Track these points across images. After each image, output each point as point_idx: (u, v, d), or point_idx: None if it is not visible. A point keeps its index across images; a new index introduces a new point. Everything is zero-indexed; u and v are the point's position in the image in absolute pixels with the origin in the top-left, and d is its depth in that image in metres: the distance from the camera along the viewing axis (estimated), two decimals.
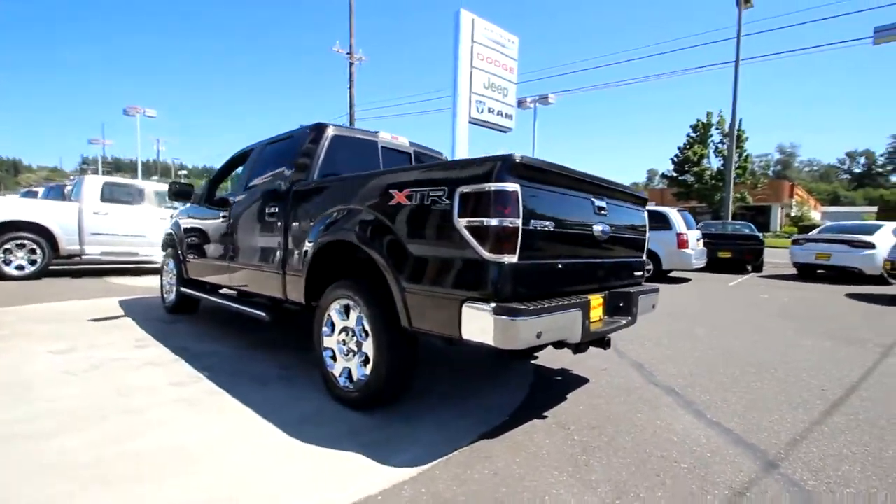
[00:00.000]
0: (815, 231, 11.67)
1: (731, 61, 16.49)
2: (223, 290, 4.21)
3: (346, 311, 2.54)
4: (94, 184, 7.78)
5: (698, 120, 32.25)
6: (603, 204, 2.51)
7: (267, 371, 3.12)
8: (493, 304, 1.84)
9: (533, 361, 3.50)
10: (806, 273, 10.60)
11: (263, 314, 3.18)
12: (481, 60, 14.31)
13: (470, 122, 14.23)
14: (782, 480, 1.93)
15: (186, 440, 2.11)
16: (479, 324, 1.88)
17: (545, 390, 2.93)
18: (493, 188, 1.86)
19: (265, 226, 3.24)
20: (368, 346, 2.39)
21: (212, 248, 4.01)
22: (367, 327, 2.37)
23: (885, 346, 4.31)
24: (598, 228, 2.44)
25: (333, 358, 2.63)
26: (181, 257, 4.58)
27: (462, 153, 9.97)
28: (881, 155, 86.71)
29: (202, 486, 1.74)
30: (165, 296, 5.01)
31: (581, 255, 2.37)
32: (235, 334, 4.10)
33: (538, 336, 1.90)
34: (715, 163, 31.39)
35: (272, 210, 3.15)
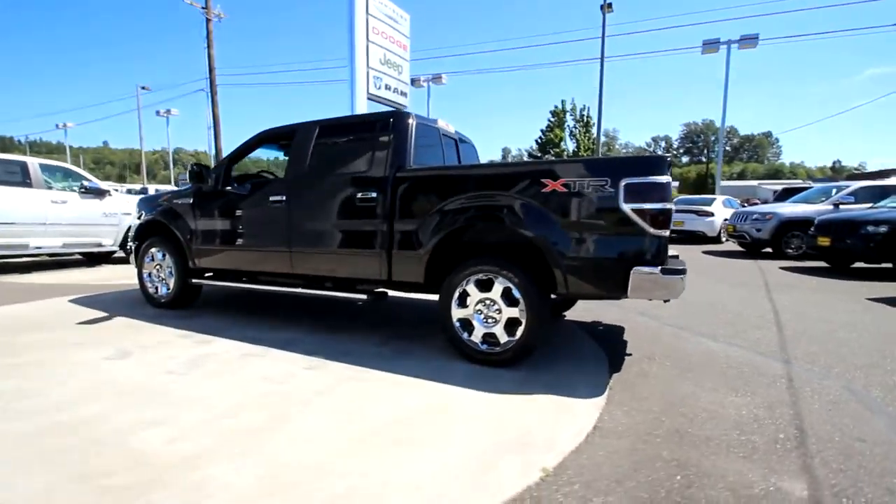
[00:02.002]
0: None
1: (588, 59, 19.20)
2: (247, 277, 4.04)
3: (484, 284, 2.91)
4: None
5: (556, 106, 36.40)
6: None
7: (374, 348, 3.27)
8: (659, 268, 2.48)
9: (566, 318, 4.25)
10: None
11: (363, 295, 3.30)
12: (377, 35, 14.20)
13: (368, 99, 14.16)
14: (803, 369, 2.99)
15: (405, 408, 2.33)
16: (648, 283, 2.49)
17: (605, 339, 3.68)
18: (657, 180, 2.47)
19: (357, 210, 3.31)
20: (515, 312, 2.82)
21: (257, 234, 3.82)
22: (518, 296, 2.79)
23: (763, 285, 6.11)
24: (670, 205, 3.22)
25: (465, 327, 2.99)
26: (187, 245, 4.17)
27: None
28: (676, 140, 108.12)
29: (482, 434, 2.06)
30: (153, 289, 4.47)
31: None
32: (287, 319, 4.00)
33: (682, 290, 2.60)
34: (570, 144, 35.98)
35: (367, 195, 3.25)
